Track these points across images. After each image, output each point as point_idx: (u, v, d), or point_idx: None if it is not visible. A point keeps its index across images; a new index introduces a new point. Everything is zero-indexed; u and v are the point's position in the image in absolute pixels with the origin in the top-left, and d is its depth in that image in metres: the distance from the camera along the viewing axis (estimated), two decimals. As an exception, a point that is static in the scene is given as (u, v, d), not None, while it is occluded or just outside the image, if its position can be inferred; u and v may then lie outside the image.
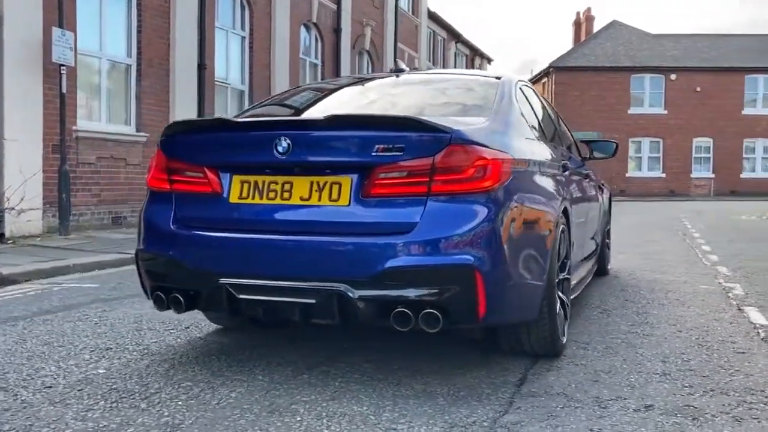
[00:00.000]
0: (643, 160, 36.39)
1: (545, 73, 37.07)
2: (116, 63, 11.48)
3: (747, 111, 35.99)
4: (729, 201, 30.76)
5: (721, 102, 35.58)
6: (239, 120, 3.23)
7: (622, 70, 35.65)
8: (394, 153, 2.89)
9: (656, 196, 33.84)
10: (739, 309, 5.11)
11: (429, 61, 26.37)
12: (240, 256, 3.07)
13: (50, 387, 3.12)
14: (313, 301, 2.94)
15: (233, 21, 14.72)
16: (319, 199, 3.01)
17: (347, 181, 2.99)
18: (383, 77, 4.18)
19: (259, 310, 3.12)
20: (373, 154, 2.92)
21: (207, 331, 4.25)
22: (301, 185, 3.05)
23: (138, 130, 11.74)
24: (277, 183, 3.09)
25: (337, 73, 18.70)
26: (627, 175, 35.85)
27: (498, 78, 3.98)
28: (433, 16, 26.01)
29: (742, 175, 36.20)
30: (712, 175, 36.14)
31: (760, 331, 4.37)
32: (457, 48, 29.68)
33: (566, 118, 5.99)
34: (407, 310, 2.83)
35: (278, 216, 3.07)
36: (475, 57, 32.46)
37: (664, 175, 36.22)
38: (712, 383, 3.22)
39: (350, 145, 2.99)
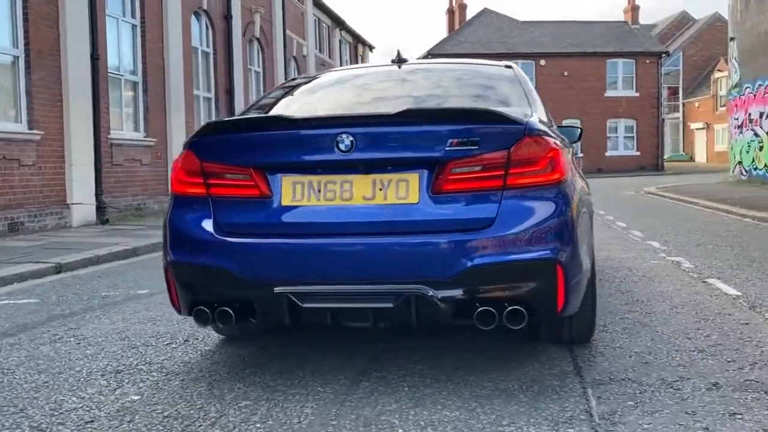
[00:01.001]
0: (518, 142, 37.93)
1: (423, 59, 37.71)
2: (1, 54, 10.45)
3: (609, 93, 38.41)
4: (599, 178, 32.74)
5: (586, 85, 37.75)
6: (297, 117, 3.00)
7: (495, 57, 36.82)
8: (469, 147, 2.80)
9: (533, 176, 35.41)
10: (704, 282, 5.44)
11: (316, 49, 26.09)
12: (301, 262, 2.87)
13: (92, 421, 2.79)
14: (390, 305, 2.80)
15: (123, 8, 13.82)
16: (385, 198, 2.87)
17: (414, 177, 2.86)
18: (388, 66, 4.02)
19: (326, 317, 2.94)
20: (447, 148, 2.81)
21: (213, 343, 3.97)
22: (362, 184, 2.89)
23: (30, 128, 10.78)
24: (334, 183, 2.91)
25: (230, 62, 18.06)
26: (505, 157, 37.25)
27: (509, 67, 3.96)
28: (317, 3, 25.71)
29: (607, 154, 38.66)
30: (581, 155, 38.28)
31: (741, 301, 4.67)
32: (341, 35, 29.54)
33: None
34: (492, 308, 2.76)
35: (340, 218, 2.89)
36: (358, 44, 32.48)
37: (538, 156, 37.95)
38: (750, 356, 3.39)
39: (422, 140, 2.86)
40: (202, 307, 2.99)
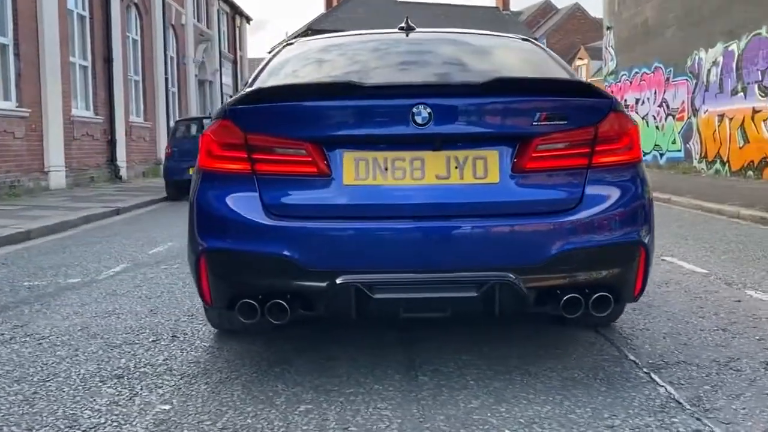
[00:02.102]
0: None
1: (303, 35, 36.87)
2: None
3: (482, 76, 39.55)
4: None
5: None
6: (369, 84, 2.64)
7: (374, 35, 36.82)
8: (557, 122, 2.60)
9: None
10: (663, 260, 5.60)
11: (195, 18, 24.75)
12: (373, 248, 2.55)
13: (133, 440, 2.35)
14: (474, 294, 2.56)
15: (-9, -39, 12.31)
16: (461, 177, 2.61)
17: (493, 154, 2.62)
18: (398, 33, 3.69)
19: (399, 308, 2.65)
20: (534, 123, 2.59)
21: (209, 338, 3.54)
22: (435, 161, 2.61)
23: None
24: (403, 160, 2.61)
25: (107, 27, 16.69)
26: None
27: (526, 40, 3.77)
28: (195, -30, 24.37)
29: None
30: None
31: (713, 279, 4.84)
32: (219, 5, 28.21)
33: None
34: (579, 295, 2.60)
35: (411, 199, 2.59)
36: (236, 15, 31.18)
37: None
38: (773, 333, 3.48)
39: (509, 114, 2.62)
40: (250, 301, 2.60)
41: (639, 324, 3.67)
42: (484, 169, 2.61)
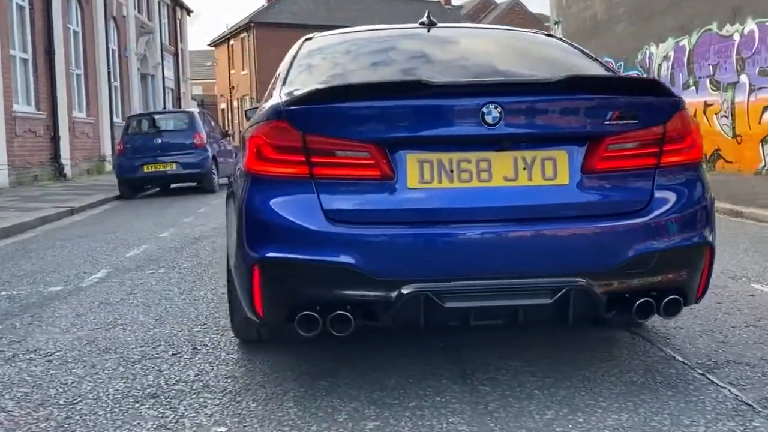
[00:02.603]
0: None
1: (245, 27, 36.14)
2: None
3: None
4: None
5: (405, 61, 38.58)
6: (438, 83, 2.49)
7: (320, 29, 36.43)
8: (628, 121, 2.52)
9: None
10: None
11: (136, 9, 23.90)
12: (443, 255, 2.42)
13: (201, 469, 2.16)
14: (548, 300, 2.46)
15: (-74, -54, 11.55)
16: (530, 179, 2.50)
17: (562, 155, 2.52)
18: (419, 28, 3.55)
19: (470, 317, 2.52)
20: (606, 122, 2.50)
21: (234, 350, 3.34)
22: (501, 162, 2.49)
23: None
24: (469, 161, 2.49)
25: (48, 18, 15.93)
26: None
27: (549, 35, 3.70)
28: (136, -40, 23.54)
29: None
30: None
31: (715, 272, 4.89)
32: (161, -4, 27.41)
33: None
34: (651, 300, 2.53)
35: (478, 202, 2.47)
36: (176, 7, 30.27)
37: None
38: (803, 329, 3.51)
39: (582, 112, 2.51)
40: (311, 313, 2.43)
41: (669, 322, 3.64)
42: (553, 170, 2.51)
